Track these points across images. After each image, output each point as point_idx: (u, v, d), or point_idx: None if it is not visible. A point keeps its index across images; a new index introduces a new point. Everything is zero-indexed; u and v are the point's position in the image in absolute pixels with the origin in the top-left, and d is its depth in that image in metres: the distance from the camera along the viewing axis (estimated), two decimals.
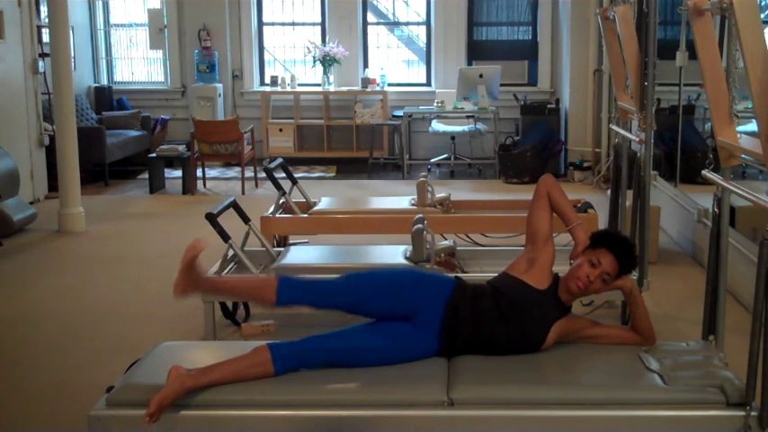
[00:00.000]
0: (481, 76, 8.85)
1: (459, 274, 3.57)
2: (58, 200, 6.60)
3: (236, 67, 10.03)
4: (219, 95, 9.67)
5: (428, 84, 10.08)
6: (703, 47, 2.53)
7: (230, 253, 4.11)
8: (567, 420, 2.54)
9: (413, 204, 5.38)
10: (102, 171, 8.56)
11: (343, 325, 2.82)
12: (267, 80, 10.04)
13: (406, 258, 4.09)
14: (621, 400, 2.56)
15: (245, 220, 4.32)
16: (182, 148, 8.37)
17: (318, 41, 9.88)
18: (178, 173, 8.39)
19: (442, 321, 2.75)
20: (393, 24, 10.37)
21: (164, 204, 7.74)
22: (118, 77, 10.46)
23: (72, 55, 7.53)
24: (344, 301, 2.81)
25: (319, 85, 9.82)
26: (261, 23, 10.22)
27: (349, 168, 9.41)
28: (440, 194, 5.44)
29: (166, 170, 8.59)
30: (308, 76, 10.11)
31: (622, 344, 2.87)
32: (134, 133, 9.24)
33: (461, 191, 7.79)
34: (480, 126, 9.18)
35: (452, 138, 9.27)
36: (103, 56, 10.34)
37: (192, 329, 4.14)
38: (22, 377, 3.73)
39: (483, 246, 5.08)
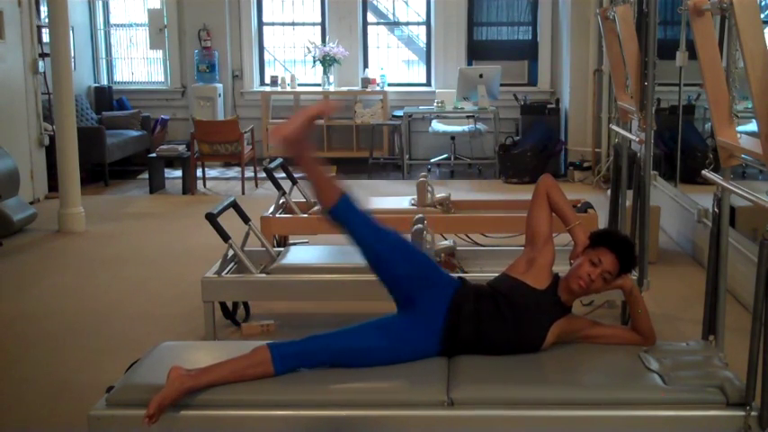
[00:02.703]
0: (481, 76, 8.85)
1: (460, 275, 3.57)
2: (58, 200, 6.61)
3: (236, 67, 10.03)
4: (219, 95, 9.67)
5: (428, 84, 10.08)
6: (703, 47, 2.53)
7: (230, 253, 4.11)
8: (567, 420, 2.54)
9: (413, 204, 5.37)
10: (102, 171, 8.56)
11: (344, 325, 2.81)
12: (267, 80, 10.05)
13: None
14: (621, 400, 2.56)
15: (245, 220, 4.32)
16: (182, 148, 8.38)
17: (318, 41, 9.88)
18: (178, 173, 8.39)
19: (444, 321, 2.75)
20: (393, 24, 10.37)
21: (164, 204, 7.74)
22: (118, 77, 10.46)
23: (72, 55, 7.53)
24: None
25: (319, 85, 9.82)
26: (261, 23, 10.22)
27: (349, 168, 9.40)
28: (440, 194, 5.43)
29: (166, 170, 8.59)
30: (308, 76, 10.11)
31: (622, 344, 2.87)
32: (134, 133, 9.25)
33: (461, 191, 7.79)
34: (480, 126, 9.18)
35: (452, 138, 9.27)
36: (103, 56, 10.34)
37: (192, 329, 4.14)
38: (22, 377, 3.73)
39: (483, 246, 5.08)
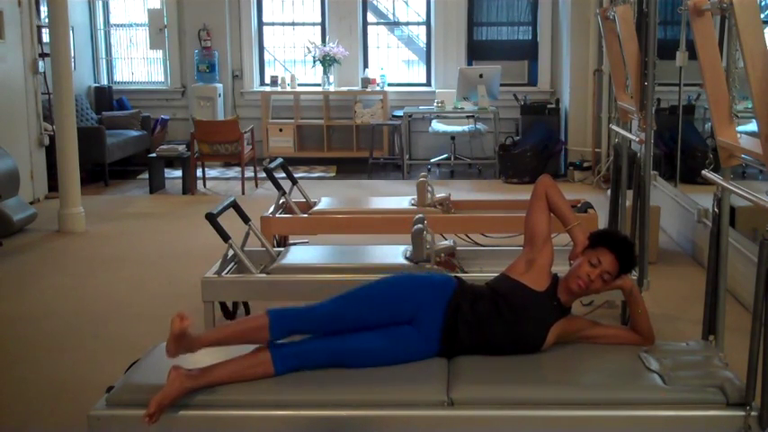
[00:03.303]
0: (481, 76, 8.85)
1: (459, 275, 3.57)
2: (58, 200, 6.60)
3: (236, 67, 10.03)
4: (219, 95, 9.67)
5: (428, 84, 10.08)
6: (703, 47, 2.53)
7: (230, 253, 4.11)
8: (567, 420, 2.54)
9: (413, 204, 5.37)
10: (102, 171, 8.56)
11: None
12: (267, 80, 10.05)
13: (406, 258, 4.08)
14: (621, 400, 2.56)
15: (245, 220, 4.31)
16: (182, 148, 8.37)
17: (318, 41, 9.88)
18: (178, 173, 8.39)
19: (443, 322, 2.75)
20: (393, 24, 10.37)
21: (164, 204, 7.74)
22: (118, 77, 10.46)
23: (72, 55, 7.53)
24: (344, 319, 2.74)
25: (319, 85, 9.82)
26: (261, 23, 10.22)
27: (349, 168, 9.41)
28: (440, 194, 5.43)
29: (166, 170, 8.59)
30: (308, 76, 10.11)
31: (622, 344, 2.87)
32: (134, 133, 9.25)
33: (461, 191, 7.79)
34: (480, 126, 9.18)
35: (452, 138, 9.27)
36: (103, 56, 10.34)
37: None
38: (22, 377, 3.73)
39: (483, 246, 5.08)
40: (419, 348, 2.75)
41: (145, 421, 2.47)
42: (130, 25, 10.41)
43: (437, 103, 9.19)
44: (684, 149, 6.20)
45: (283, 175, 5.55)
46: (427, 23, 10.09)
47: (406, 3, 10.25)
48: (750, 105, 2.25)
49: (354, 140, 9.78)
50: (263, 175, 5.89)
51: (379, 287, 2.83)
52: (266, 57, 10.31)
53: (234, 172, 9.06)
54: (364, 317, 2.74)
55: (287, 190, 5.39)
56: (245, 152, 8.14)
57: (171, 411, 2.53)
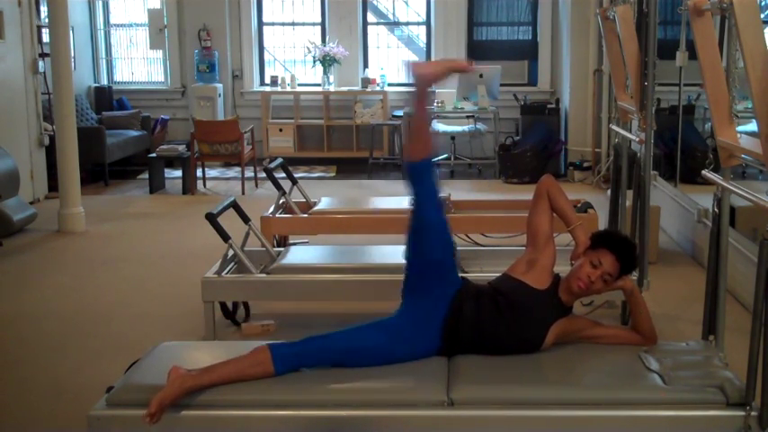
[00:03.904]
0: (481, 76, 8.84)
1: (462, 275, 3.57)
2: (58, 200, 6.60)
3: (236, 67, 10.03)
4: (219, 95, 9.67)
5: None
6: (703, 47, 2.53)
7: (230, 253, 4.11)
8: (567, 420, 2.54)
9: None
10: (102, 171, 8.56)
11: (344, 325, 2.81)
12: (267, 80, 10.05)
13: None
14: (621, 400, 2.56)
15: (245, 220, 4.32)
16: (182, 148, 8.38)
17: (318, 41, 9.88)
18: (178, 173, 8.39)
19: (444, 320, 2.75)
20: (393, 24, 10.37)
21: (164, 204, 7.74)
22: (118, 77, 10.46)
23: (72, 55, 7.53)
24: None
25: (319, 85, 9.82)
26: (261, 23, 10.22)
27: (349, 168, 9.41)
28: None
29: (166, 170, 8.59)
30: (308, 76, 10.11)
31: (623, 344, 2.87)
32: (134, 133, 9.25)
33: (461, 191, 7.79)
34: (480, 126, 9.18)
35: (452, 138, 9.27)
36: (103, 56, 10.34)
37: (192, 329, 4.14)
38: (22, 377, 3.73)
39: (483, 246, 5.08)
40: (420, 346, 2.75)
41: (145, 421, 2.47)
42: (130, 25, 10.41)
43: (437, 103, 9.18)
44: (684, 149, 6.20)
45: (283, 175, 5.55)
46: (427, 23, 10.09)
47: (406, 3, 10.25)
48: (750, 105, 2.25)
49: (354, 140, 9.78)
50: (263, 175, 5.89)
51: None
52: (266, 57, 10.32)
53: (234, 172, 9.06)
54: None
55: (287, 190, 5.40)
56: (245, 152, 8.14)
57: (171, 411, 2.53)
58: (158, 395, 2.50)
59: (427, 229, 2.84)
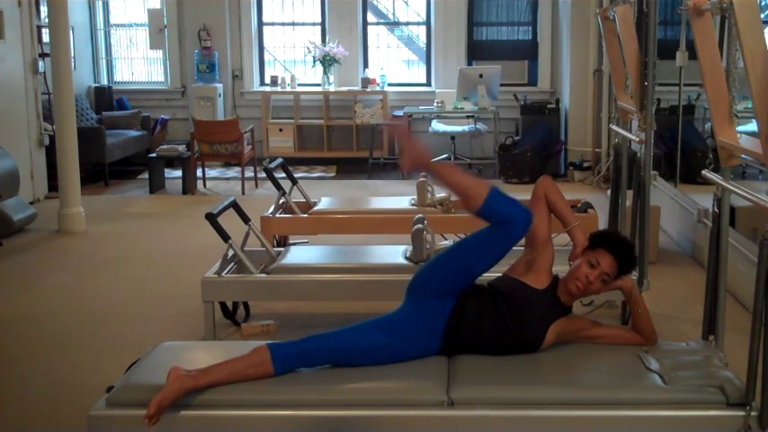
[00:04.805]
0: (481, 76, 8.85)
1: None
2: (58, 200, 6.60)
3: (236, 67, 10.02)
4: (219, 95, 9.67)
5: (428, 84, 10.08)
6: (703, 47, 2.53)
7: (230, 253, 4.11)
8: (567, 420, 2.54)
9: (413, 204, 5.37)
10: (102, 171, 8.56)
11: (344, 325, 2.82)
12: (267, 80, 10.04)
13: (406, 258, 4.09)
14: (621, 400, 2.56)
15: (245, 220, 4.32)
16: (182, 148, 8.37)
17: (318, 41, 9.87)
18: (178, 173, 8.39)
19: (446, 320, 2.75)
20: (393, 24, 10.37)
21: (164, 204, 7.74)
22: (118, 77, 10.46)
23: (72, 55, 7.53)
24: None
25: (319, 85, 9.82)
26: (261, 23, 10.22)
27: (349, 168, 9.41)
28: (440, 194, 5.43)
29: (166, 170, 8.59)
30: (308, 76, 10.10)
31: (623, 344, 2.87)
32: (134, 133, 9.24)
33: None
34: (480, 126, 9.18)
35: (452, 138, 9.27)
36: (103, 56, 10.34)
37: (192, 329, 4.14)
38: (22, 377, 3.73)
39: None
40: (420, 346, 2.75)
41: (145, 423, 2.47)
42: (130, 25, 10.41)
43: (437, 103, 9.18)
44: (684, 149, 6.20)
45: (283, 175, 5.55)
46: (427, 23, 10.08)
47: (406, 3, 10.25)
48: (750, 105, 2.25)
49: (354, 140, 9.78)
50: (263, 175, 5.90)
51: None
52: (266, 57, 10.31)
53: (234, 172, 9.06)
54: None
55: (287, 190, 5.40)
56: (245, 152, 8.14)
57: (171, 412, 2.53)
58: (157, 397, 2.50)
59: (497, 243, 2.79)
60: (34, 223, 6.61)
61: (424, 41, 10.17)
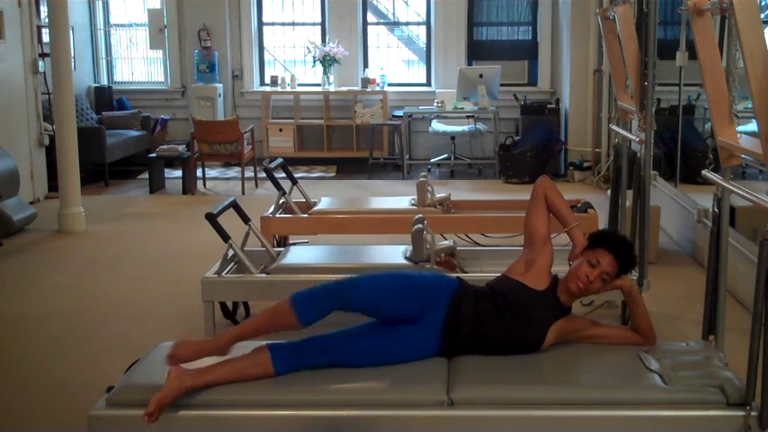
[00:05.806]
0: (481, 76, 8.85)
1: (460, 275, 3.57)
2: (58, 200, 6.60)
3: (236, 67, 10.03)
4: (219, 95, 9.67)
5: (428, 84, 10.08)
6: (703, 47, 2.53)
7: (230, 253, 4.11)
8: (567, 420, 2.54)
9: (413, 204, 5.37)
10: (102, 171, 8.57)
11: (344, 325, 2.81)
12: (267, 80, 10.05)
13: (406, 258, 4.08)
14: (621, 400, 2.56)
15: (245, 220, 4.32)
16: (182, 148, 8.38)
17: (318, 41, 9.88)
18: (178, 173, 8.39)
19: (444, 320, 2.75)
20: (393, 24, 10.37)
21: (164, 204, 7.74)
22: (118, 77, 10.46)
23: (72, 55, 7.53)
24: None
25: (319, 85, 9.82)
26: (261, 23, 10.22)
27: (349, 168, 9.41)
28: (440, 194, 5.43)
29: (166, 170, 8.59)
30: (308, 76, 10.11)
31: (623, 344, 2.87)
32: (134, 133, 9.25)
33: (461, 191, 7.79)
34: (480, 126, 9.18)
35: (452, 138, 9.27)
36: (103, 56, 10.34)
37: (192, 329, 4.14)
38: (22, 377, 3.73)
39: (483, 246, 5.08)
40: (419, 347, 2.75)
41: (144, 420, 2.48)
42: (130, 25, 10.41)
43: (437, 103, 9.19)
44: (684, 149, 6.20)
45: (283, 175, 5.55)
46: (427, 23, 10.08)
47: (406, 3, 10.25)
48: (750, 105, 2.25)
49: (354, 140, 9.78)
50: (263, 175, 5.89)
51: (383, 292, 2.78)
52: (266, 57, 10.32)
53: (234, 172, 9.06)
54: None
55: (287, 190, 5.40)
56: (245, 152, 8.14)
57: (171, 411, 2.53)
58: (157, 395, 2.50)
59: (368, 303, 2.75)
60: (34, 223, 6.61)
61: (424, 41, 10.17)
